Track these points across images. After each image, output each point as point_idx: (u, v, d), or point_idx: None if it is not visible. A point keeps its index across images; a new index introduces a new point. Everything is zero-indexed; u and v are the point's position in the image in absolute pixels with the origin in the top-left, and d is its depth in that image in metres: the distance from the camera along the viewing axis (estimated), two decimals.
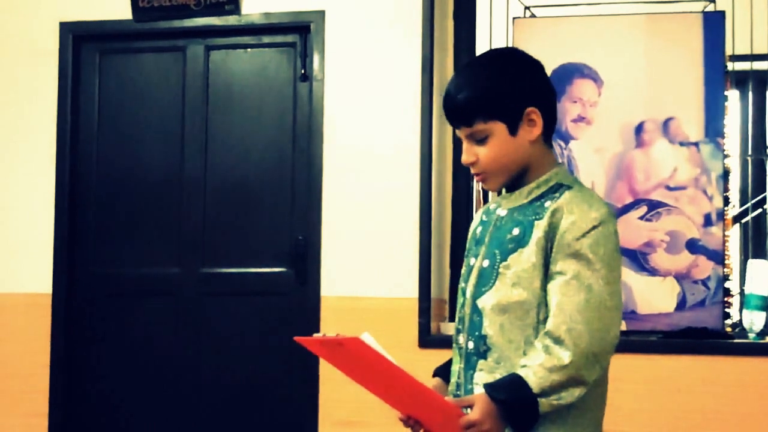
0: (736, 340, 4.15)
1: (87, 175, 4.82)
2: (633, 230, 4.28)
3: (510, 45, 4.43)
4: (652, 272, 4.26)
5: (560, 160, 4.34)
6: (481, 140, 2.04)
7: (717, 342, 4.12)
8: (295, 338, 1.98)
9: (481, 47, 4.62)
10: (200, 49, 4.76)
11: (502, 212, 2.10)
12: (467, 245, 2.20)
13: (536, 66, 2.10)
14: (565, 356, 1.89)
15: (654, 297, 4.24)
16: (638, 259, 4.27)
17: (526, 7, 4.55)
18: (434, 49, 4.44)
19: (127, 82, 4.83)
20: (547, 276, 1.98)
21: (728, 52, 4.32)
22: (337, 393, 4.32)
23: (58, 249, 4.74)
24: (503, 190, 2.14)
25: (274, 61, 4.70)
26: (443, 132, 4.52)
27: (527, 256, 1.99)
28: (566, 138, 4.36)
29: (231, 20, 4.66)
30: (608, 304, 1.94)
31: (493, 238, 2.08)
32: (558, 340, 1.91)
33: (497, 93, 2.02)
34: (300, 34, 4.65)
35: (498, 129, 2.03)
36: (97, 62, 4.85)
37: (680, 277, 4.24)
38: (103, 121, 4.83)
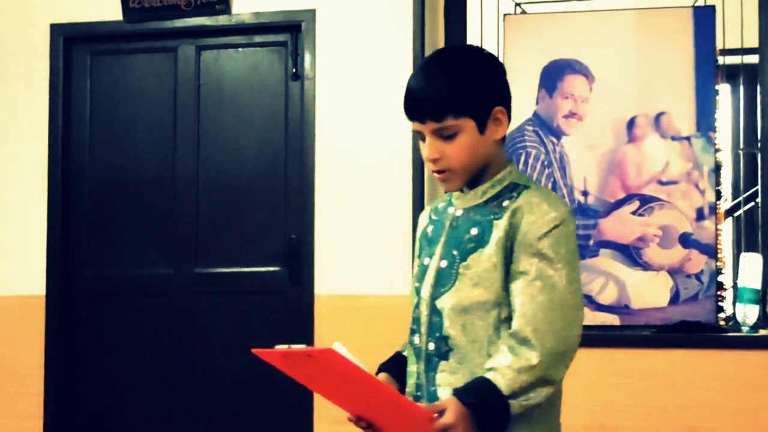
0: (729, 334, 4.16)
1: (79, 177, 4.81)
2: (626, 225, 4.28)
3: (501, 42, 4.43)
4: (645, 267, 4.26)
5: (547, 157, 4.34)
6: (447, 137, 2.02)
7: (710, 336, 4.13)
8: (254, 350, 1.93)
9: (471, 44, 4.62)
10: (191, 49, 4.76)
11: (457, 212, 2.10)
12: (418, 244, 2.19)
13: (502, 67, 2.11)
14: (532, 357, 1.90)
15: (647, 291, 4.25)
16: (631, 254, 4.27)
17: (517, 4, 4.55)
18: (425, 46, 4.45)
19: (118, 83, 4.83)
20: (507, 275, 1.98)
21: (719, 46, 4.33)
22: None
23: (51, 251, 4.74)
24: None
25: (265, 61, 4.70)
26: None
27: (487, 256, 2.00)
28: (558, 134, 4.36)
29: (222, 20, 4.66)
30: (570, 303, 1.95)
31: (449, 238, 2.08)
32: (524, 341, 1.92)
33: (471, 90, 2.01)
34: (291, 34, 4.65)
35: (468, 126, 2.01)
36: (89, 63, 4.85)
37: (673, 272, 4.25)
38: (94, 123, 4.83)
